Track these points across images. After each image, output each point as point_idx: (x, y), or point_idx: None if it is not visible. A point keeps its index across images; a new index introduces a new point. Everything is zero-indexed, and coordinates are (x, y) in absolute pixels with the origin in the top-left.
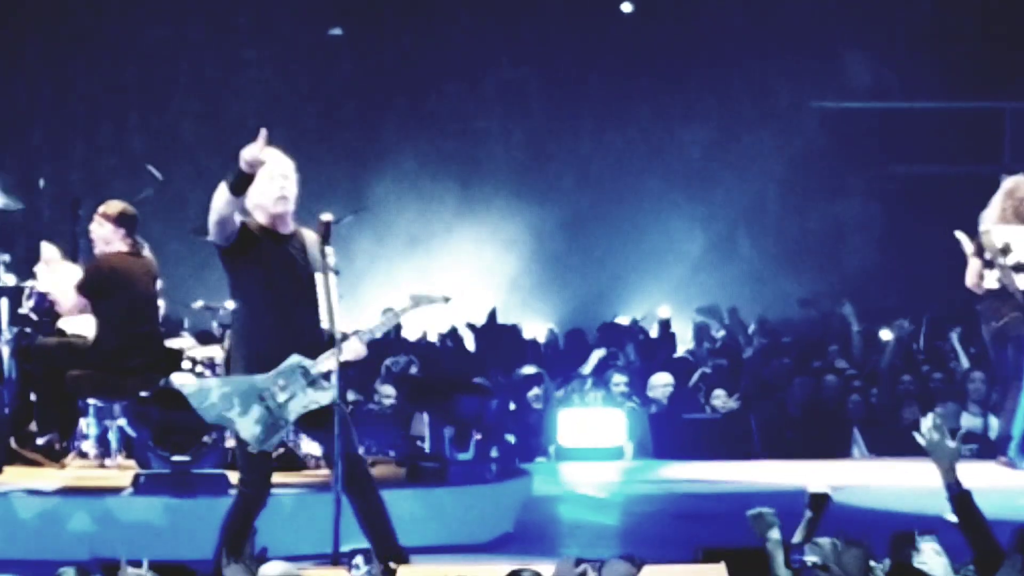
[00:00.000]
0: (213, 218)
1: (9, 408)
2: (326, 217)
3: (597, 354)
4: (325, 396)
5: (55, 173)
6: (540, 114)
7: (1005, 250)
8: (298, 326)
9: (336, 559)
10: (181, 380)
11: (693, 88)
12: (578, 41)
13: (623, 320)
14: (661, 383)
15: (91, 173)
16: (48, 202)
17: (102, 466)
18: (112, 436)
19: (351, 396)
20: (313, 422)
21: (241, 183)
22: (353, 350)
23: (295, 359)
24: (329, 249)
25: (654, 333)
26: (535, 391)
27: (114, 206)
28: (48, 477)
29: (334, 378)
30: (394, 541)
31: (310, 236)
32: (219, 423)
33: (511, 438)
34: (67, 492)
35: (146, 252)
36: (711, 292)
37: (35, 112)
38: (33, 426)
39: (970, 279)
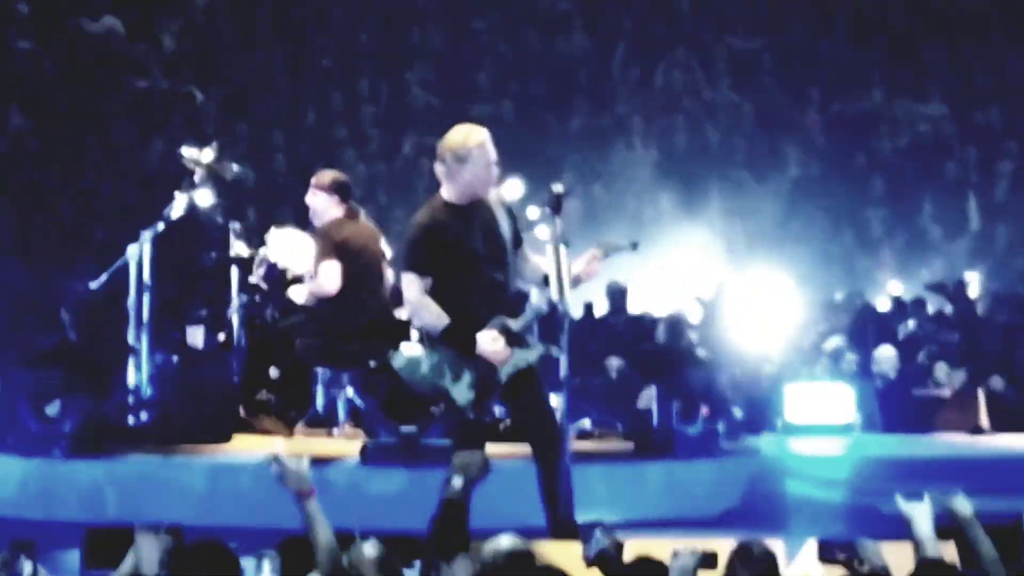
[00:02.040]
0: (409, 314)
1: (238, 377)
2: (557, 188)
3: (834, 341)
4: (532, 354)
5: (287, 142)
6: (770, 85)
7: None
8: (498, 287)
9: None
10: (394, 356)
11: (925, 60)
12: (810, 8)
13: (843, 296)
14: (887, 357)
15: (322, 142)
16: (279, 171)
17: (330, 435)
18: (340, 405)
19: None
20: (508, 387)
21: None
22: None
23: (499, 320)
24: (559, 220)
25: (881, 308)
26: (763, 365)
27: (326, 175)
28: (276, 446)
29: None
30: (564, 519)
31: (492, 197)
32: (433, 393)
33: (738, 412)
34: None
35: (363, 218)
36: (938, 266)
37: (267, 81)
38: (262, 395)
39: None
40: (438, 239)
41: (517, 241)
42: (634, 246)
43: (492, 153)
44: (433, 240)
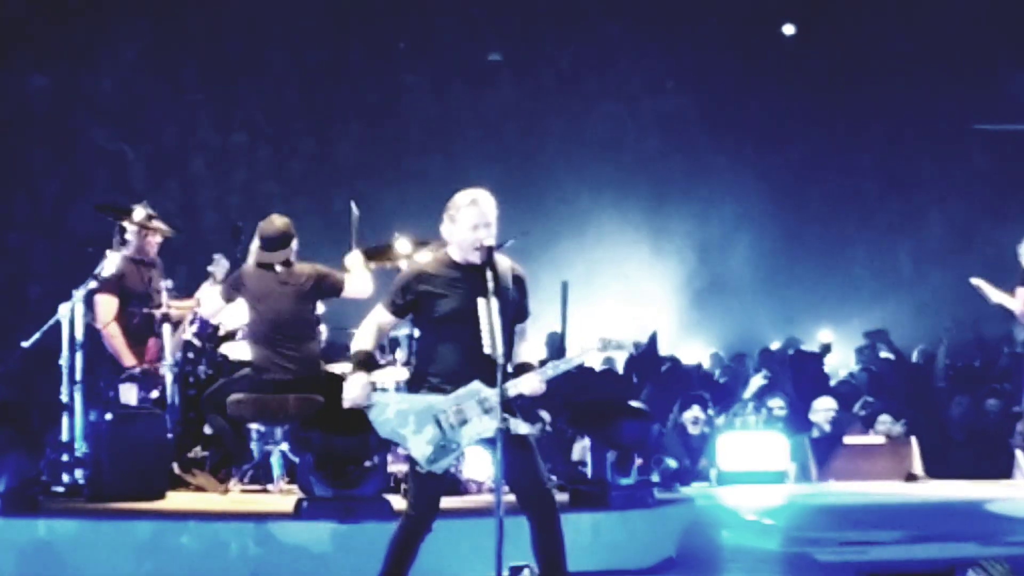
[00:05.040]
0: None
1: (172, 433)
2: (487, 241)
3: (757, 380)
4: (493, 425)
5: (216, 199)
6: (699, 138)
7: None
8: (476, 351)
9: None
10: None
11: (855, 111)
12: (739, 64)
13: (779, 345)
14: (823, 407)
15: (251, 198)
16: (210, 228)
17: (265, 491)
18: (275, 461)
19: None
20: (491, 446)
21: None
22: (530, 385)
23: (475, 385)
24: (490, 274)
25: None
26: (692, 413)
27: (264, 221)
28: (211, 502)
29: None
30: (562, 570)
31: (505, 265)
32: (392, 439)
33: (672, 462)
34: (230, 517)
35: (294, 269)
36: (872, 316)
37: (196, 138)
38: (196, 451)
39: (1018, 307)
40: (418, 285)
41: (516, 314)
42: (636, 346)
43: (479, 216)
44: (412, 284)
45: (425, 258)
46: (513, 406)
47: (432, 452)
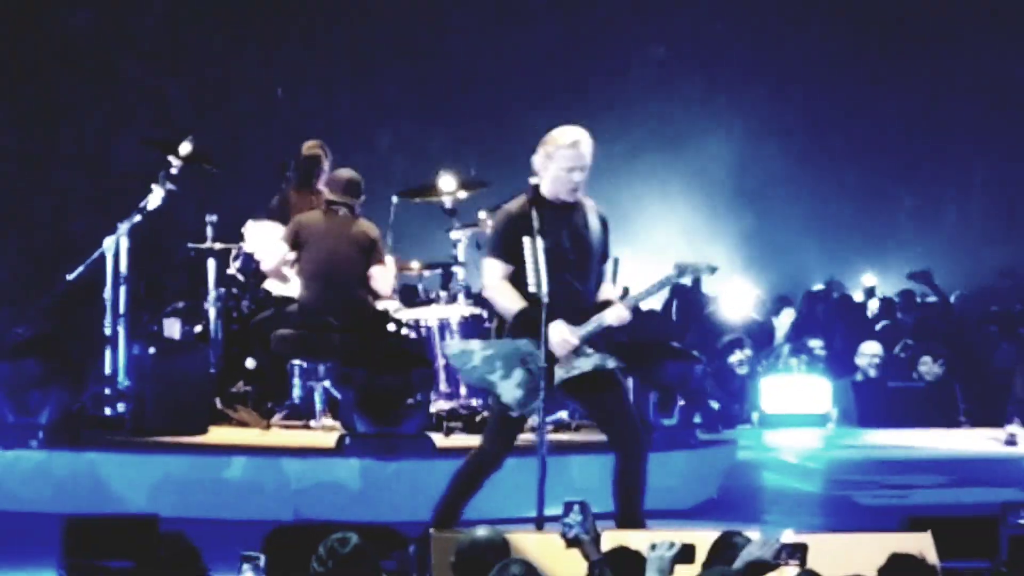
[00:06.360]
0: (488, 298)
1: (215, 368)
2: (534, 180)
3: (787, 318)
4: (587, 363)
5: (261, 137)
6: (744, 79)
7: None
8: (567, 289)
9: (540, 523)
10: (448, 344)
11: (903, 53)
12: (787, 3)
13: (822, 287)
14: (869, 352)
15: (295, 137)
16: (255, 165)
17: (307, 427)
18: (317, 397)
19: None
20: (580, 386)
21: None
22: (617, 316)
23: (560, 325)
24: (535, 212)
25: (858, 300)
26: (738, 356)
27: (337, 170)
28: (253, 437)
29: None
30: (636, 511)
31: (590, 205)
32: (481, 385)
33: (715, 404)
34: (272, 452)
35: (360, 221)
36: (915, 261)
37: (241, 76)
38: (239, 386)
39: None
40: (520, 228)
41: (602, 255)
42: (712, 269)
43: (577, 159)
44: (515, 228)
45: (514, 202)
46: (599, 342)
47: (523, 395)
